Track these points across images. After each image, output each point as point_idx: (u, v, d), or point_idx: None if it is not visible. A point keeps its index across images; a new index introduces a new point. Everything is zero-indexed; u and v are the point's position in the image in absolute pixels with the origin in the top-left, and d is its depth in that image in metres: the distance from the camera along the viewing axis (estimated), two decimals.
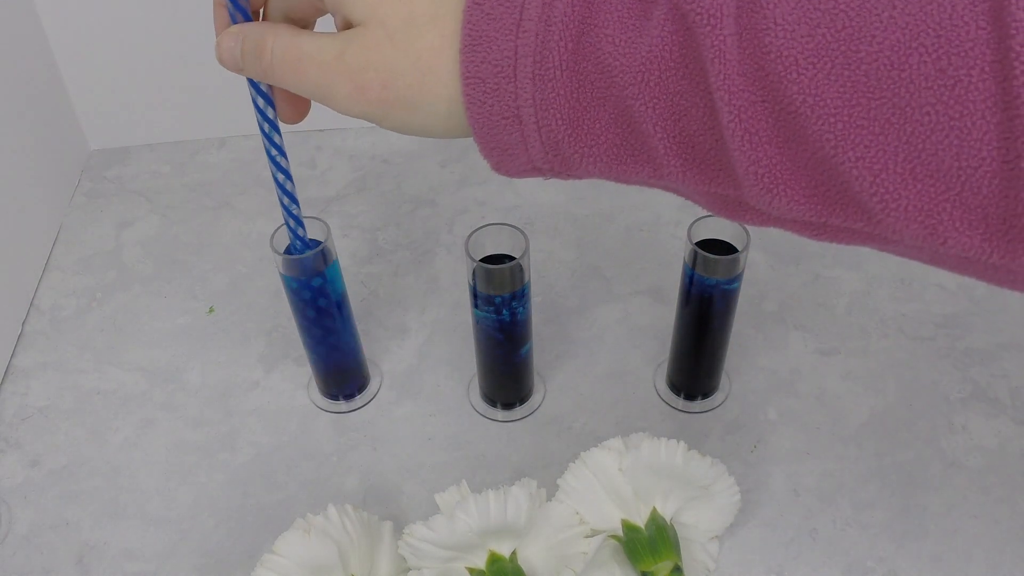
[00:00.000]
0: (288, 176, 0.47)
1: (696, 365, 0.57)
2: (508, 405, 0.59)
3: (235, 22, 0.38)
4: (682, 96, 0.30)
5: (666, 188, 0.34)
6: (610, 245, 0.70)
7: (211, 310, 0.67)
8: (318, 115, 0.87)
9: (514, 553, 0.48)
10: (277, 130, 0.44)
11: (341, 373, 0.59)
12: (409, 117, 0.34)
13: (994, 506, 0.53)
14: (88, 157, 0.81)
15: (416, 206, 0.74)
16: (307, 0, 0.38)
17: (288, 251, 0.51)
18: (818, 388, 0.60)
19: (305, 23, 0.40)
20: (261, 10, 0.40)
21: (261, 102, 0.42)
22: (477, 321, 0.53)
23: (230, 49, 0.39)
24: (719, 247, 0.51)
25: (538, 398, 0.60)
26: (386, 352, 0.63)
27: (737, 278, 0.51)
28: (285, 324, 0.65)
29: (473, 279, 0.51)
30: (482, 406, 0.60)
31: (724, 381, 0.60)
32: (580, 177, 0.34)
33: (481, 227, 0.50)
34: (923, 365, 0.61)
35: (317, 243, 0.51)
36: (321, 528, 0.46)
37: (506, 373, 0.57)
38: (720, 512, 0.50)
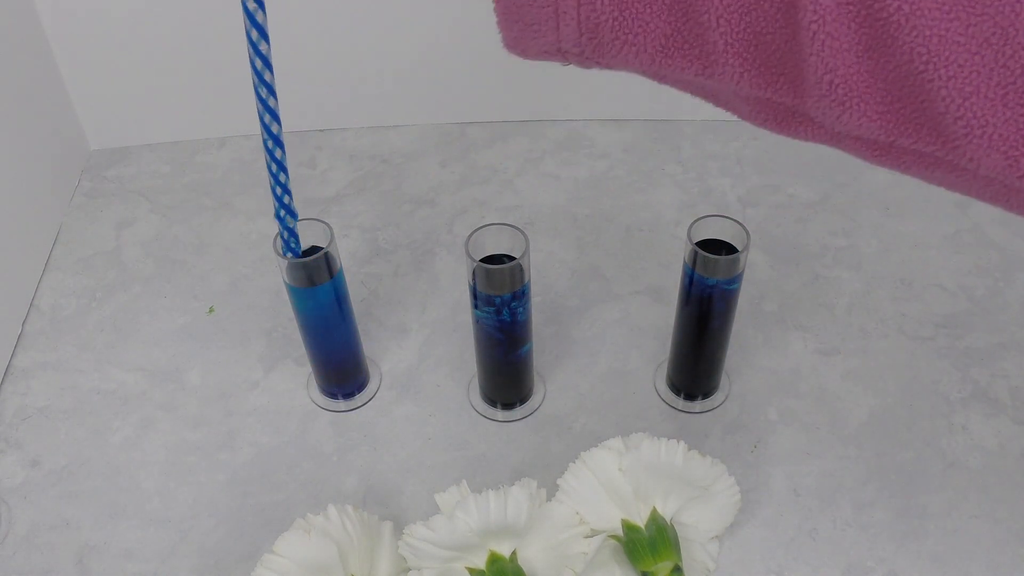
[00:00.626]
0: (283, 169, 0.46)
1: (696, 365, 0.57)
2: (508, 405, 0.59)
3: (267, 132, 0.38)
4: None
5: (704, 91, 0.30)
6: (610, 245, 0.70)
7: (211, 310, 0.67)
8: (318, 115, 0.88)
9: (514, 553, 0.48)
10: (266, 37, 0.42)
11: (341, 373, 0.59)
12: None
13: (994, 506, 0.53)
14: (88, 157, 0.81)
15: (416, 206, 0.74)
16: None
17: (286, 244, 0.50)
18: (818, 388, 0.60)
19: None
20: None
21: (251, 4, 0.40)
22: (477, 321, 0.53)
23: None
24: (719, 247, 0.51)
25: (538, 398, 0.60)
26: (386, 352, 0.63)
27: (737, 278, 0.51)
28: (285, 324, 0.65)
29: (473, 279, 0.51)
30: (482, 406, 0.60)
31: (724, 381, 0.60)
32: (609, 67, 0.30)
33: (481, 227, 0.50)
34: (923, 365, 0.61)
35: (294, 234, 0.50)
36: (321, 528, 0.47)
37: (506, 373, 0.57)
38: (720, 512, 0.50)
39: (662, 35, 0.28)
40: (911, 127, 0.27)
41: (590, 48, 0.30)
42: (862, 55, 0.26)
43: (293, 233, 0.49)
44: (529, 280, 0.51)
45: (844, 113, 0.27)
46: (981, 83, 0.25)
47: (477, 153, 0.79)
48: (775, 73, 0.28)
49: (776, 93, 0.28)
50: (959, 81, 0.25)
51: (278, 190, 0.47)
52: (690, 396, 0.59)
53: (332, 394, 0.60)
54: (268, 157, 0.45)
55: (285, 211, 0.48)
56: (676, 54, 0.29)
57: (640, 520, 0.49)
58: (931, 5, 0.25)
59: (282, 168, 0.46)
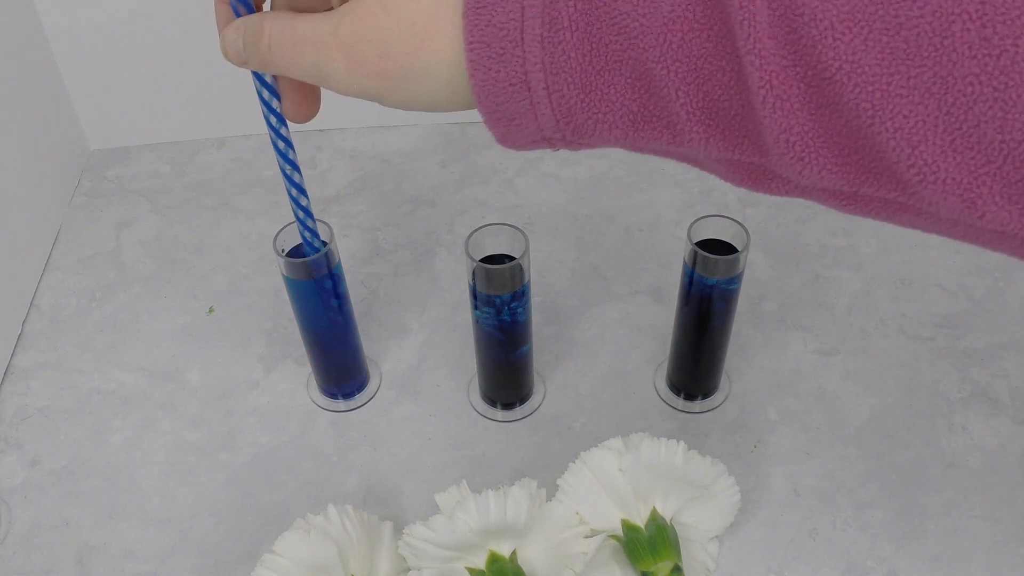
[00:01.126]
0: (296, 168, 0.46)
1: (696, 365, 0.57)
2: (508, 405, 0.59)
3: (238, 14, 0.38)
4: (707, 59, 0.28)
5: (682, 157, 0.32)
6: (610, 245, 0.70)
7: (211, 310, 0.67)
8: (318, 115, 0.87)
9: (514, 553, 0.48)
10: (284, 122, 0.43)
11: (341, 373, 0.59)
12: (409, 89, 0.32)
13: (994, 506, 0.53)
14: (88, 157, 0.81)
15: (416, 206, 0.74)
16: None
17: (298, 249, 0.50)
18: (818, 388, 0.60)
19: (311, 11, 0.39)
20: (265, 3, 0.39)
21: (266, 94, 0.41)
22: (477, 321, 0.53)
23: (233, 42, 0.37)
24: (719, 247, 0.51)
25: (538, 398, 0.60)
26: (386, 352, 0.63)
27: (737, 278, 0.51)
28: (285, 324, 0.65)
29: (473, 279, 0.51)
30: (482, 406, 0.60)
31: (724, 381, 0.60)
32: (593, 146, 0.32)
33: (481, 227, 0.50)
34: (923, 365, 0.61)
35: (324, 243, 0.51)
36: (321, 528, 0.47)
37: (506, 373, 0.57)
38: (720, 512, 0.50)
39: (629, 112, 0.30)
40: (871, 177, 0.28)
41: (569, 131, 0.31)
42: (813, 113, 0.27)
43: (316, 234, 0.50)
44: (529, 280, 0.51)
45: (805, 168, 0.28)
46: (927, 132, 0.26)
47: (477, 153, 0.79)
48: (738, 136, 0.29)
49: (744, 154, 0.30)
50: (906, 132, 0.26)
51: (294, 191, 0.47)
52: (690, 396, 0.59)
53: (332, 394, 0.60)
54: (280, 159, 0.46)
55: (304, 213, 0.48)
56: (646, 126, 0.30)
57: (640, 520, 0.49)
58: (871, 61, 0.26)
59: (295, 168, 0.47)
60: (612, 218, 0.72)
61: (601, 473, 0.49)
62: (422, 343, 0.64)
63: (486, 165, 0.77)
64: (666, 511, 0.49)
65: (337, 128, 0.82)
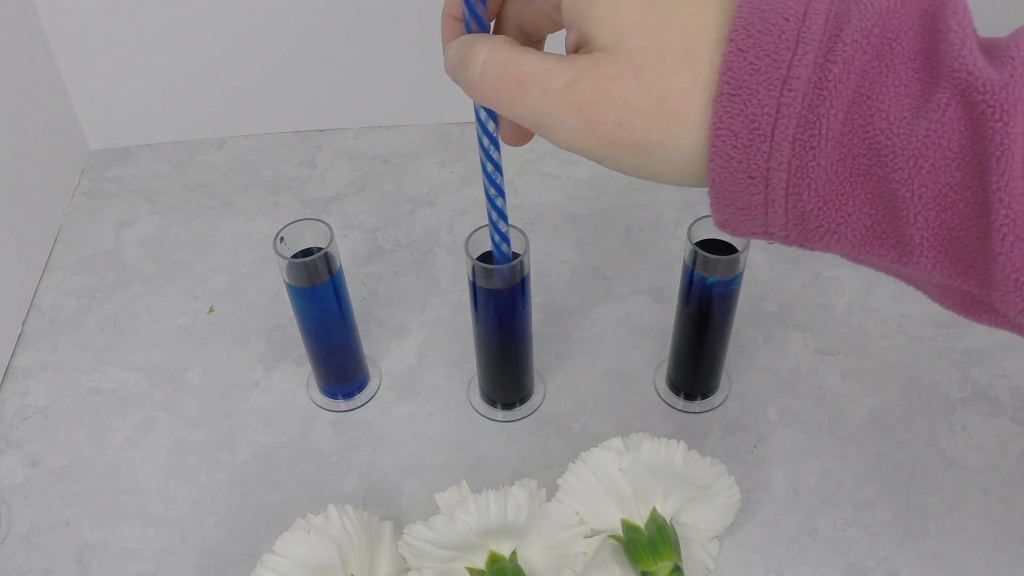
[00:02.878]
0: (501, 194, 0.45)
1: (696, 365, 0.57)
2: (508, 405, 0.59)
3: (468, 30, 0.35)
4: (953, 188, 0.27)
5: (897, 273, 0.32)
6: (610, 245, 0.70)
7: (211, 310, 0.67)
8: (318, 115, 0.88)
9: (514, 553, 0.48)
10: (497, 146, 0.41)
11: (341, 373, 0.59)
12: (641, 161, 0.31)
13: (994, 506, 0.53)
14: (88, 157, 0.81)
15: (416, 206, 0.74)
16: (542, 11, 0.35)
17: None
18: (818, 388, 0.60)
19: (534, 36, 0.37)
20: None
21: (483, 115, 0.39)
22: (477, 321, 0.53)
23: (451, 60, 0.35)
24: (719, 247, 0.51)
25: (538, 398, 0.60)
26: (386, 352, 0.63)
27: (737, 278, 0.51)
28: (285, 324, 0.65)
29: (473, 278, 0.51)
30: (482, 406, 0.60)
31: (724, 381, 0.60)
32: (812, 249, 0.32)
33: (481, 227, 0.50)
34: (923, 365, 0.61)
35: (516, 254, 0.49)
36: (321, 528, 0.47)
37: (506, 373, 0.57)
38: (720, 512, 0.50)
39: (863, 226, 0.30)
40: None
41: (795, 233, 0.31)
42: None
43: (505, 239, 0.48)
44: (529, 280, 0.51)
45: None
46: None
47: (477, 153, 0.79)
48: (966, 266, 0.29)
49: (965, 283, 0.30)
50: None
51: (494, 215, 0.46)
52: (690, 396, 0.59)
53: (332, 394, 0.60)
54: (487, 181, 0.44)
55: (501, 237, 0.47)
56: (875, 243, 0.30)
57: (640, 520, 0.49)
58: None
59: (500, 193, 0.45)
60: (612, 218, 0.72)
61: (601, 473, 0.49)
62: (422, 343, 0.64)
63: None
64: (666, 511, 0.49)
65: (337, 128, 0.82)
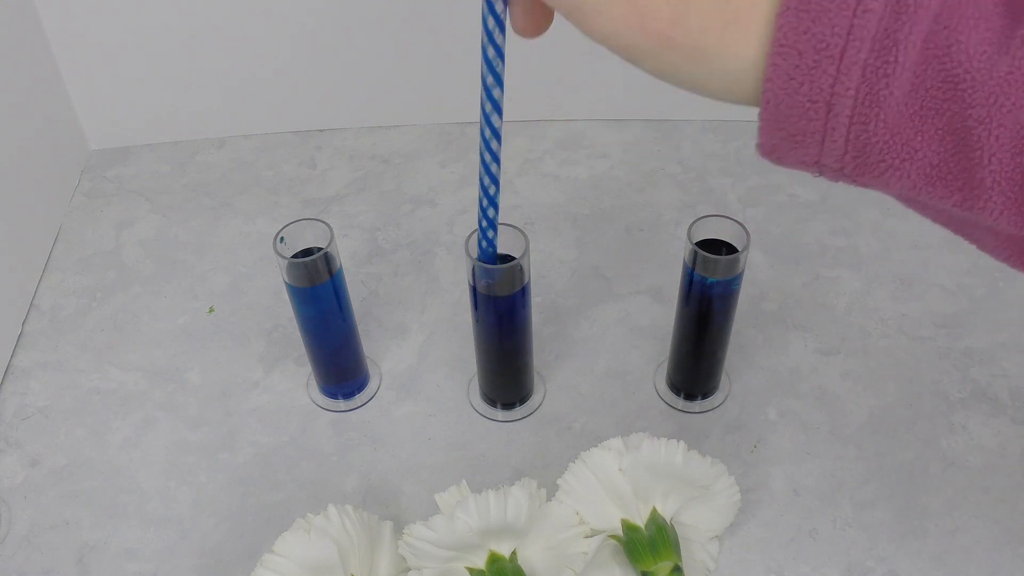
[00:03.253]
0: (499, 111, 0.41)
1: (696, 365, 0.57)
2: (508, 405, 0.59)
3: None
4: None
5: (952, 221, 0.30)
6: (610, 245, 0.70)
7: (211, 310, 0.67)
8: (318, 115, 0.88)
9: (514, 553, 0.48)
10: (502, 27, 0.38)
11: (341, 373, 0.59)
12: (689, 66, 0.28)
13: (994, 506, 0.53)
14: (88, 157, 0.81)
15: (416, 206, 0.74)
16: None
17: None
18: (818, 388, 0.60)
19: None
20: None
21: (491, 22, 0.37)
22: (477, 321, 0.53)
23: None
24: (719, 247, 0.51)
25: (538, 398, 0.60)
26: (386, 352, 0.63)
27: (737, 278, 0.51)
28: (285, 324, 0.65)
29: (473, 279, 0.51)
30: (482, 406, 0.60)
31: (724, 381, 0.60)
32: (866, 186, 0.30)
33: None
34: (923, 365, 0.61)
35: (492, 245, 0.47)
36: (321, 528, 0.47)
37: (506, 373, 0.57)
38: (720, 512, 0.50)
39: (928, 164, 0.28)
40: None
41: (851, 167, 0.29)
42: None
43: (493, 225, 0.46)
44: (529, 280, 0.51)
45: None
46: None
47: (477, 153, 0.79)
48: None
49: None
50: None
51: (486, 180, 0.44)
52: (690, 396, 0.59)
53: (332, 394, 0.60)
54: (483, 146, 0.42)
55: (488, 202, 0.45)
56: (939, 184, 0.28)
57: (640, 520, 0.49)
58: None
59: (495, 159, 0.43)
60: (612, 218, 0.72)
61: (601, 473, 0.49)
62: (422, 343, 0.64)
63: None
64: (666, 511, 0.49)
65: (337, 128, 0.82)
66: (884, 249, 0.69)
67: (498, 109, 0.42)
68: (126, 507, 0.55)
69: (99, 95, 0.78)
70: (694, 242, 0.50)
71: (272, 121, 0.81)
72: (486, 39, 0.38)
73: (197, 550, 0.53)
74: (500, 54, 0.39)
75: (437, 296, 0.67)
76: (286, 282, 0.52)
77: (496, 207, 0.45)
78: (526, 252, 0.49)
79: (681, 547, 0.49)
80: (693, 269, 0.51)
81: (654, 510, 0.49)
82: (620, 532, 0.49)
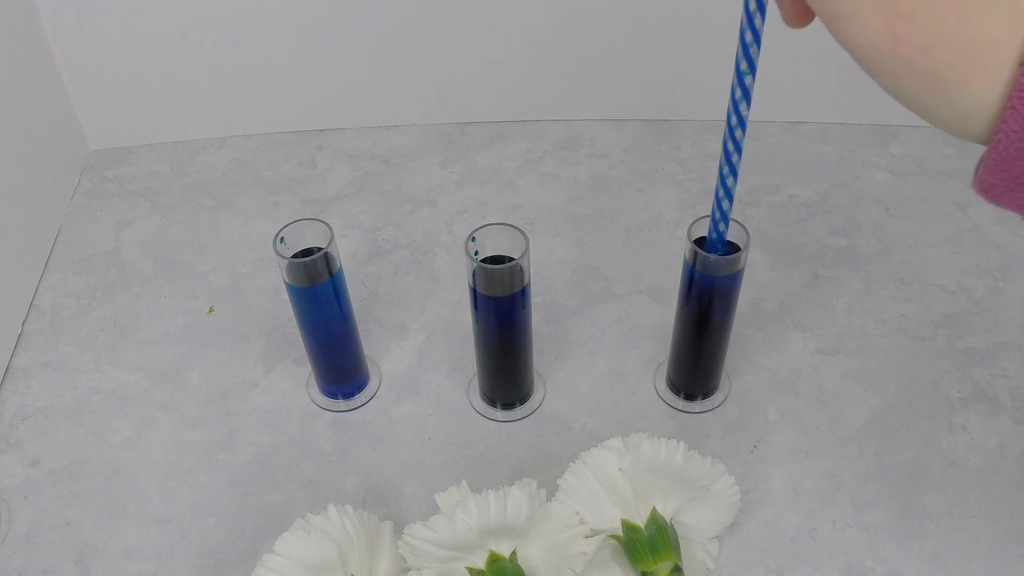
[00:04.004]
0: (753, 66, 0.41)
1: (696, 365, 0.57)
2: (508, 405, 0.59)
3: None
4: None
5: None
6: (610, 245, 0.70)
7: (211, 310, 0.67)
8: (318, 115, 0.88)
9: (514, 553, 0.48)
10: (763, 13, 0.38)
11: (341, 373, 0.59)
12: (927, 94, 0.29)
13: (994, 506, 0.53)
14: (88, 157, 0.81)
15: (416, 206, 0.74)
16: None
17: (710, 240, 0.48)
18: (818, 388, 0.60)
19: None
20: None
21: (753, 5, 0.37)
22: (477, 321, 0.53)
23: None
24: None
25: (538, 398, 0.60)
26: (386, 352, 0.63)
27: (737, 278, 0.51)
28: (285, 324, 0.65)
29: (473, 279, 0.51)
30: (482, 406, 0.60)
31: (724, 381, 0.60)
32: None
33: (481, 227, 0.50)
34: (923, 365, 0.61)
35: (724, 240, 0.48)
36: (321, 528, 0.46)
37: (506, 373, 0.57)
38: (720, 512, 0.50)
39: None
40: None
41: None
42: None
43: (725, 217, 0.47)
44: (529, 280, 0.51)
45: None
46: None
47: (477, 153, 0.79)
48: None
49: None
50: None
51: (725, 169, 0.44)
52: (690, 396, 0.59)
53: (332, 394, 0.60)
54: (728, 135, 0.42)
55: (725, 193, 0.45)
56: None
57: (640, 520, 0.49)
58: None
59: (738, 149, 0.43)
60: (612, 218, 0.72)
61: (601, 473, 0.49)
62: (422, 343, 0.64)
63: (486, 165, 0.77)
64: (666, 511, 0.49)
65: (337, 128, 0.82)
66: (884, 249, 0.69)
67: (747, 96, 0.42)
68: (126, 507, 0.55)
69: (99, 95, 0.78)
70: (694, 241, 0.50)
71: (272, 121, 0.81)
72: (746, 22, 0.39)
73: (197, 550, 0.53)
74: (757, 39, 0.39)
75: (437, 296, 0.67)
76: (286, 282, 0.53)
77: (731, 199, 0.45)
78: (526, 252, 0.49)
79: (681, 547, 0.49)
80: (693, 268, 0.51)
81: (654, 510, 0.49)
82: (620, 532, 0.49)
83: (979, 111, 0.29)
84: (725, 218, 0.47)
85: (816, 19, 0.33)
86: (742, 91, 0.41)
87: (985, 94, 0.28)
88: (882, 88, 0.31)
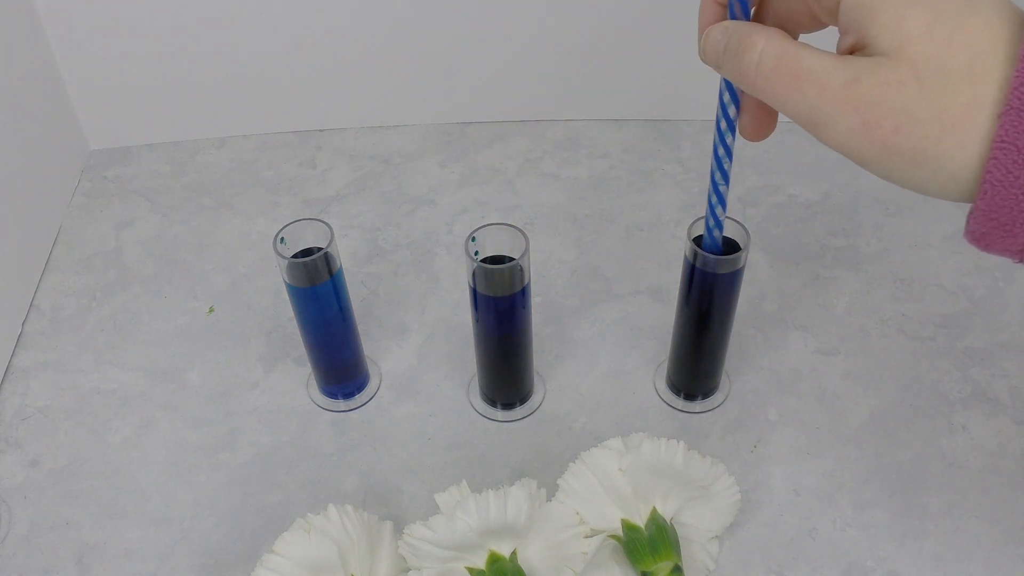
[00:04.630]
0: (726, 179, 0.44)
1: (696, 365, 0.57)
2: (508, 405, 0.59)
3: (732, 16, 0.36)
4: None
5: None
6: (610, 245, 0.70)
7: (211, 310, 0.67)
8: (318, 115, 0.88)
9: (514, 553, 0.48)
10: (733, 131, 0.41)
11: (341, 373, 0.59)
12: (910, 169, 0.31)
13: (994, 506, 0.53)
14: (88, 157, 0.81)
15: (416, 206, 0.74)
16: (808, 9, 0.35)
17: (705, 248, 0.49)
18: (818, 388, 0.60)
19: (792, 33, 0.37)
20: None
21: (727, 97, 0.39)
22: (477, 321, 0.53)
23: (715, 43, 0.35)
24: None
25: (538, 398, 0.60)
26: (386, 352, 0.63)
27: (737, 278, 0.51)
28: (285, 324, 0.65)
29: (473, 279, 0.51)
30: (482, 406, 0.60)
31: (724, 381, 0.60)
32: None
33: (481, 227, 0.50)
34: (923, 365, 0.61)
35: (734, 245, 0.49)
36: (321, 528, 0.47)
37: (506, 373, 0.57)
38: (720, 512, 0.50)
39: None
40: None
41: None
42: None
43: (719, 224, 0.48)
44: (529, 280, 0.51)
45: None
46: None
47: (477, 153, 0.79)
48: None
49: None
50: None
51: (714, 199, 0.46)
52: (690, 396, 0.59)
53: (332, 394, 0.60)
54: (715, 164, 0.44)
55: (718, 199, 0.46)
56: None
57: (640, 520, 0.49)
58: None
59: (725, 180, 0.45)
60: (612, 218, 0.72)
61: (601, 473, 0.49)
62: (422, 343, 0.64)
63: (486, 165, 0.77)
64: (666, 511, 0.49)
65: (337, 128, 0.82)
66: (884, 249, 0.69)
67: (723, 201, 0.45)
68: (126, 507, 0.55)
69: (99, 95, 0.78)
70: (693, 240, 0.50)
71: (272, 121, 0.81)
72: (717, 139, 0.42)
73: (197, 550, 0.53)
74: (729, 153, 0.43)
75: (437, 296, 0.67)
76: (286, 282, 0.53)
77: (724, 205, 0.46)
78: (526, 252, 0.49)
79: (681, 547, 0.49)
80: (693, 268, 0.51)
81: (654, 510, 0.49)
82: (620, 532, 0.49)
83: (962, 172, 0.30)
84: (719, 224, 0.48)
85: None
86: (722, 174, 0.44)
87: (963, 155, 0.30)
88: (878, 176, 0.32)
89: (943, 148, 0.30)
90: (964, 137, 0.30)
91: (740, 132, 0.40)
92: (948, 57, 0.29)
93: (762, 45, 0.32)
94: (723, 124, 0.41)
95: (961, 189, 0.31)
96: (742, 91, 0.39)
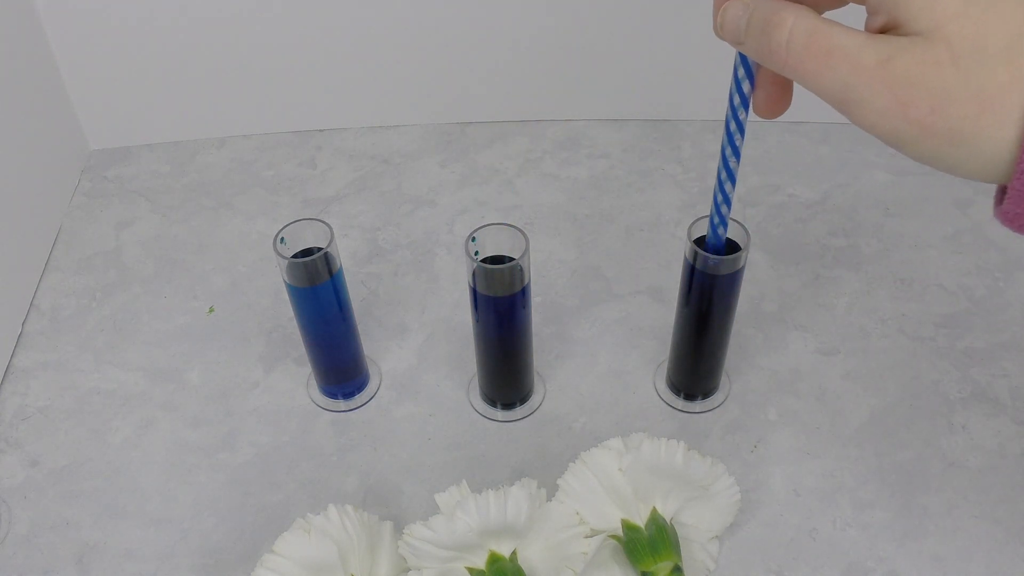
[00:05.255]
0: (737, 155, 0.43)
1: (696, 365, 0.57)
2: (508, 405, 0.59)
3: None
4: None
5: None
6: (610, 245, 0.70)
7: (211, 310, 0.67)
8: (318, 115, 0.88)
9: (514, 553, 0.48)
10: (746, 107, 0.40)
11: (341, 373, 0.59)
12: (946, 150, 0.31)
13: (994, 506, 0.53)
14: (88, 157, 0.81)
15: (416, 206, 0.74)
16: None
17: (709, 243, 0.49)
18: (818, 388, 0.60)
19: (817, 11, 0.36)
20: None
21: (742, 73, 0.38)
22: (477, 321, 0.53)
23: (735, 19, 0.34)
24: None
25: (538, 398, 0.60)
26: (386, 352, 0.63)
27: (737, 278, 0.51)
28: (285, 324, 0.65)
29: (473, 279, 0.51)
30: (482, 406, 0.60)
31: (724, 381, 0.60)
32: None
33: (481, 227, 0.50)
34: (923, 365, 0.61)
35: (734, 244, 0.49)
36: (321, 528, 0.47)
37: (506, 373, 0.57)
38: (720, 512, 0.50)
39: None
40: None
41: None
42: None
43: (724, 222, 0.47)
44: (529, 280, 0.51)
45: None
46: None
47: (477, 153, 0.79)
48: None
49: None
50: None
51: (723, 174, 0.45)
52: (690, 396, 0.59)
53: (332, 394, 0.60)
54: (727, 140, 0.43)
55: (722, 197, 0.46)
56: None
57: (640, 520, 0.49)
58: None
59: (736, 156, 0.44)
60: (612, 218, 0.72)
61: (601, 473, 0.49)
62: (422, 343, 0.64)
63: (486, 165, 0.77)
64: (666, 511, 0.49)
65: (337, 128, 0.82)
66: (884, 249, 0.69)
67: (732, 178, 0.44)
68: (126, 507, 0.55)
69: (99, 95, 0.78)
70: (694, 240, 0.50)
71: (272, 121, 0.81)
72: (730, 114, 0.41)
73: (197, 550, 0.53)
74: (741, 128, 0.42)
75: (437, 296, 0.67)
76: (286, 282, 0.53)
77: (729, 205, 0.46)
78: (526, 252, 0.49)
79: (681, 547, 0.49)
80: (693, 268, 0.51)
81: (654, 510, 0.49)
82: (620, 532, 0.49)
83: (1001, 152, 0.30)
84: (724, 222, 0.47)
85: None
86: (726, 172, 0.43)
87: (1001, 134, 0.30)
88: (911, 157, 0.32)
89: (980, 128, 0.30)
90: (1002, 117, 0.29)
91: (753, 109, 0.39)
92: (984, 36, 0.29)
93: (792, 22, 0.32)
94: (736, 99, 0.40)
95: (998, 169, 0.31)
96: (757, 66, 0.38)
